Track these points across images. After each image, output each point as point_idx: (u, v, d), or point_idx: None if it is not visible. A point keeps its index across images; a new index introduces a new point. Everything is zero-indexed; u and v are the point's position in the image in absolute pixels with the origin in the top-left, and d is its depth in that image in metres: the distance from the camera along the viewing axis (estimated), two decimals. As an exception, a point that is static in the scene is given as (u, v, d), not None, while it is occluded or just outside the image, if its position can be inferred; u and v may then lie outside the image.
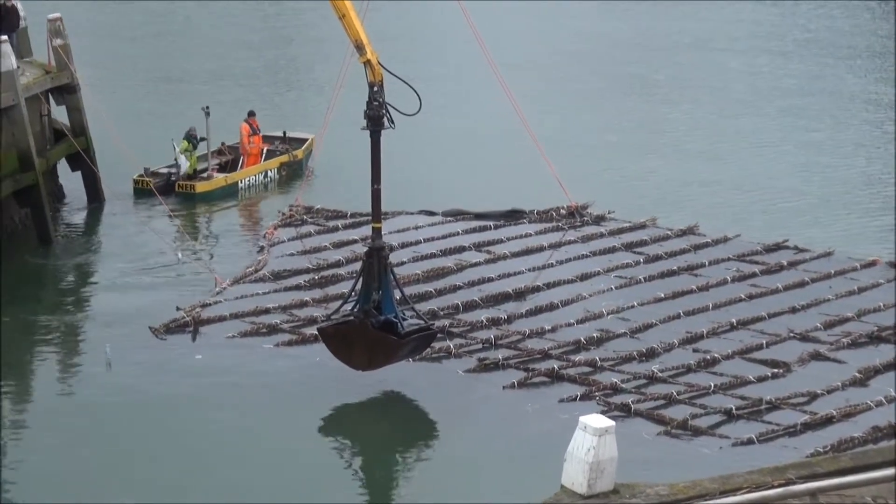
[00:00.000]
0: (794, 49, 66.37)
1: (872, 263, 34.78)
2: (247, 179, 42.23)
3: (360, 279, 27.47)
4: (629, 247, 36.08)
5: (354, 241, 35.79)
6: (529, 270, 34.20)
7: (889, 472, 16.96)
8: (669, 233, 37.13)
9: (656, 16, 74.47)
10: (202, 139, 41.69)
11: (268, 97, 54.16)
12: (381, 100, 26.79)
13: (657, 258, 35.23)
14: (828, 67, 61.74)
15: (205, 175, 41.51)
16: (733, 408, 26.48)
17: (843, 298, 32.51)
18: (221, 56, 62.69)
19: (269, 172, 42.84)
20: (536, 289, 32.92)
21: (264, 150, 43.46)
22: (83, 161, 39.23)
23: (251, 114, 43.15)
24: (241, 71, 59.84)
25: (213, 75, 58.30)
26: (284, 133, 44.69)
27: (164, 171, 41.48)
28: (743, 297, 32.52)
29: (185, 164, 41.27)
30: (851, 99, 55.54)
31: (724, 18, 74.32)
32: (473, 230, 37.11)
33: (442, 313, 31.15)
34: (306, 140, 44.51)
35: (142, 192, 40.27)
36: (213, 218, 39.74)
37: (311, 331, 29.62)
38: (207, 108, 41.05)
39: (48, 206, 36.80)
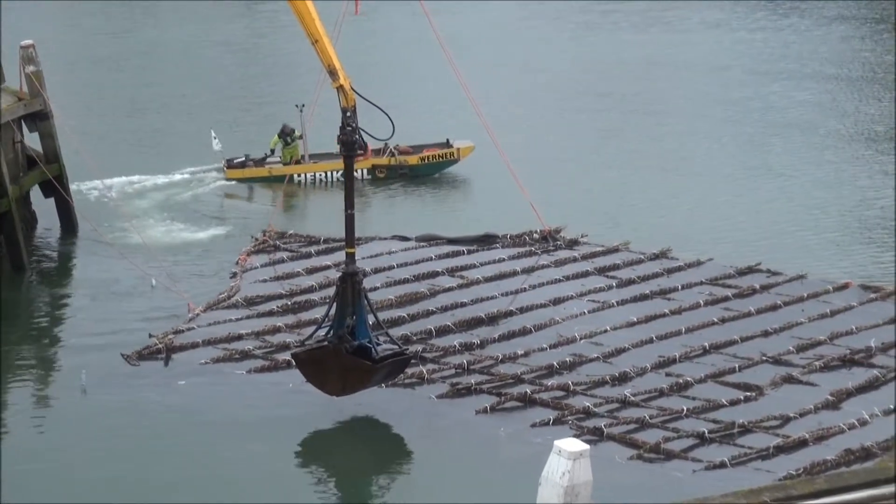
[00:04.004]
0: (775, 71, 66.39)
1: (845, 286, 34.88)
2: (306, 175, 43.77)
3: (334, 304, 27.45)
4: (602, 271, 36.12)
5: (328, 267, 35.76)
6: (502, 295, 34.20)
7: (863, 494, 17.02)
8: (642, 257, 37.20)
9: (642, 42, 74.45)
10: (300, 137, 43.66)
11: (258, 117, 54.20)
12: (353, 125, 26.86)
13: (630, 282, 35.27)
14: (808, 91, 61.71)
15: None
16: (706, 431, 26.52)
17: (815, 321, 32.58)
18: (200, 81, 62.62)
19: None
20: (509, 313, 32.94)
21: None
22: (55, 188, 39.14)
23: None
24: (232, 94, 59.87)
25: (189, 99, 58.27)
26: (448, 141, 45.98)
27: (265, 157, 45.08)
28: (716, 320, 32.57)
29: (218, 150, 44.34)
30: (826, 123, 55.63)
31: (720, 42, 74.41)
32: (446, 255, 37.12)
33: (415, 338, 31.14)
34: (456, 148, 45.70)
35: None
36: (192, 240, 39.44)
37: (285, 356, 29.60)
38: (302, 105, 41.68)
39: (21, 234, 36.69)
